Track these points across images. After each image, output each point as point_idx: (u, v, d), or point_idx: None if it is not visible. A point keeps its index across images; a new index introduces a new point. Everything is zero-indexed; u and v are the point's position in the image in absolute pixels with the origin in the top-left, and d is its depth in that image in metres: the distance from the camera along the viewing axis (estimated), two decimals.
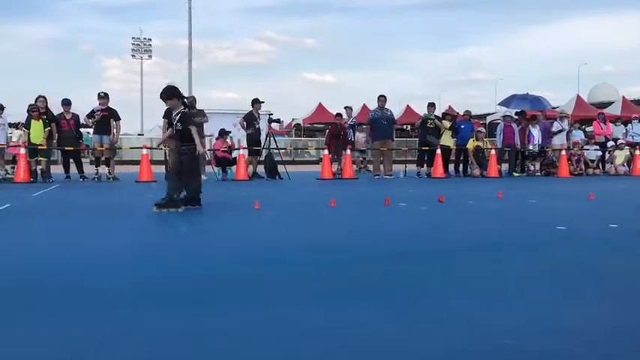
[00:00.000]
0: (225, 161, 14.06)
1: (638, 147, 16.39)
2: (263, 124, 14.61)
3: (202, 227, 5.71)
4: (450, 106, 31.97)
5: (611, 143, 16.71)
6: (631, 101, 36.03)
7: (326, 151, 14.71)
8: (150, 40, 59.70)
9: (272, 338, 2.33)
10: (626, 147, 16.53)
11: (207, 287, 3.21)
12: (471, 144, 15.19)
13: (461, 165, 15.84)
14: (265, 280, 3.36)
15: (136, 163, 14.75)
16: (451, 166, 15.87)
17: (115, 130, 13.26)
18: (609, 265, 3.79)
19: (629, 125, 18.40)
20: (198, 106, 14.83)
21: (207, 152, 14.22)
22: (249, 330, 2.43)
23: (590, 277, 3.44)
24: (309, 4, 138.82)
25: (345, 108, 16.83)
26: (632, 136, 17.59)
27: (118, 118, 13.31)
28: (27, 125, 12.80)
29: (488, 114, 37.20)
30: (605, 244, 4.63)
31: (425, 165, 15.20)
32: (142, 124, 57.71)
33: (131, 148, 18.92)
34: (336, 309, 2.74)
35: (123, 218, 6.47)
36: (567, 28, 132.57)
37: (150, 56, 60.04)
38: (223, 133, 14.30)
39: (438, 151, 14.66)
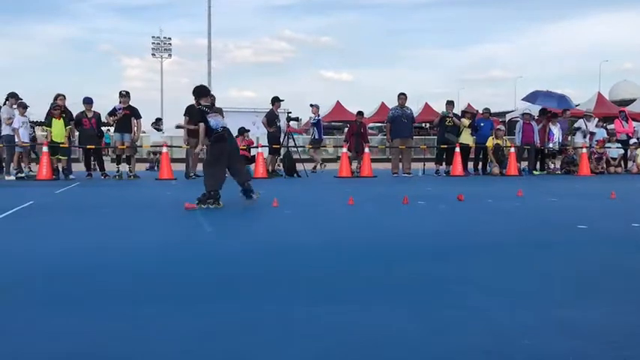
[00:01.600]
0: (244, 159, 14.13)
1: None
2: (282, 123, 14.66)
3: (221, 225, 5.76)
4: (469, 104, 31.76)
5: (633, 141, 16.47)
6: None
7: (344, 149, 14.71)
8: (170, 39, 60.08)
9: (292, 336, 2.36)
10: None
11: (227, 285, 3.24)
12: (490, 142, 15.08)
13: (480, 163, 15.73)
14: (283, 279, 3.38)
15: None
16: (470, 164, 15.76)
17: (135, 129, 13.41)
18: (631, 265, 3.75)
19: None
20: (216, 105, 14.98)
21: None
22: (269, 327, 2.46)
23: (611, 277, 3.42)
24: (327, 2, 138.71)
25: (311, 106, 16.66)
26: None
27: (139, 117, 13.45)
28: (48, 124, 13.01)
29: (508, 112, 36.89)
30: (628, 244, 4.58)
31: (444, 163, 15.13)
32: (163, 122, 58.10)
33: (152, 146, 19.07)
34: (356, 308, 2.76)
35: (144, 215, 6.55)
36: (586, 24, 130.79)
37: (170, 55, 60.43)
38: (243, 131, 14.38)
39: (457, 149, 14.58)
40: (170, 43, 60.06)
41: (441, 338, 2.34)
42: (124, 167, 13.59)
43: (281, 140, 14.26)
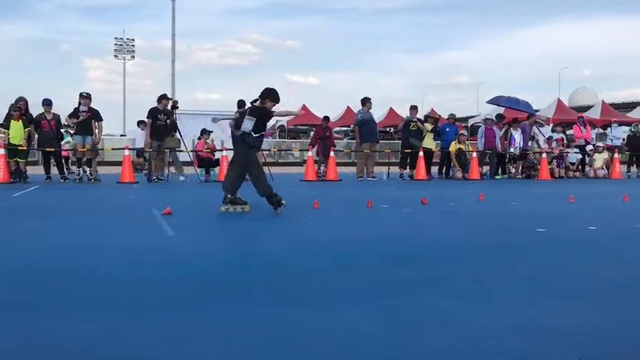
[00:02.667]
0: (207, 162, 14.01)
1: (616, 150, 16.65)
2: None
3: (182, 230, 5.69)
4: (432, 109, 32.16)
5: (590, 147, 16.93)
6: (610, 105, 36.57)
7: (310, 153, 14.72)
8: (133, 40, 59.17)
9: (257, 341, 2.34)
10: (605, 150, 16.77)
11: (187, 290, 3.20)
12: (453, 146, 15.31)
13: (443, 167, 15.96)
14: (247, 283, 3.36)
15: (118, 164, 14.63)
16: (434, 169, 15.98)
17: (97, 131, 13.15)
18: (587, 267, 3.85)
19: (609, 129, 18.67)
20: (181, 107, 14.82)
21: (190, 153, 14.19)
22: (233, 333, 2.44)
23: (568, 278, 3.50)
24: (293, 6, 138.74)
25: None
26: (612, 140, 17.86)
27: (100, 119, 13.19)
28: (7, 126, 12.66)
29: (471, 117, 37.49)
30: (584, 246, 4.70)
31: (408, 167, 15.30)
32: (125, 125, 57.19)
33: (113, 149, 18.73)
34: (321, 310, 2.76)
35: (104, 219, 6.43)
36: (547, 31, 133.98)
37: (133, 57, 59.51)
38: (204, 133, 14.27)
39: (421, 153, 14.76)
40: (133, 45, 59.20)
41: (405, 340, 2.36)
42: (85, 170, 13.31)
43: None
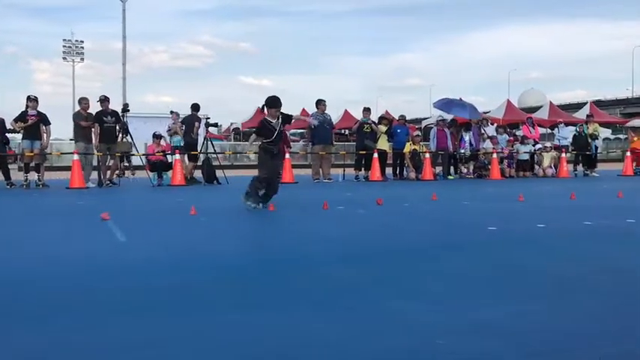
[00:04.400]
0: (160, 166, 13.76)
1: (564, 150, 17.17)
2: (200, 129, 14.39)
3: (134, 235, 5.56)
4: (386, 111, 32.49)
5: (539, 146, 17.41)
6: (557, 106, 37.76)
7: None
8: (82, 42, 57.64)
9: (212, 346, 2.30)
10: (553, 150, 17.27)
11: (141, 297, 3.12)
12: (407, 148, 15.49)
13: (397, 168, 16.13)
14: (199, 287, 3.31)
15: (67, 169, 14.23)
16: (388, 170, 16.13)
17: (45, 136, 12.75)
18: (537, 265, 3.95)
19: (556, 129, 19.24)
20: (133, 110, 14.51)
21: (142, 157, 13.90)
22: (190, 338, 2.39)
23: (518, 277, 3.57)
24: (245, 8, 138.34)
25: (171, 112, 16.06)
26: (559, 140, 18.41)
27: (48, 123, 12.78)
28: None
29: (423, 118, 38.08)
30: (534, 244, 4.82)
31: (363, 169, 15.39)
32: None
33: (62, 153, 18.19)
34: (275, 313, 2.74)
35: (51, 225, 6.23)
36: (497, 35, 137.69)
37: (82, 59, 57.99)
38: (156, 136, 14.03)
39: (375, 155, 14.88)
40: (82, 47, 57.71)
41: (361, 342, 2.36)
42: (33, 176, 12.88)
43: (199, 146, 14.00)
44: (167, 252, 4.56)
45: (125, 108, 13.37)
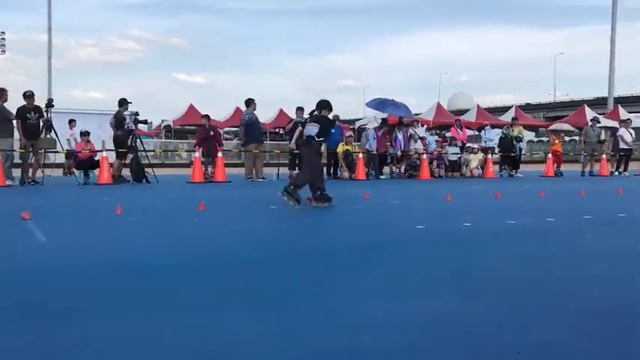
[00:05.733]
0: (86, 164, 13.27)
1: (490, 151, 17.82)
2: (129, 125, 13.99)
3: (56, 235, 5.33)
4: (311, 112, 32.63)
5: (467, 147, 17.99)
6: (485, 109, 39.14)
7: (197, 154, 14.40)
8: (3, 33, 54.82)
9: (137, 348, 2.23)
10: (480, 151, 17.89)
11: (60, 299, 2.99)
12: (340, 148, 15.64)
13: (332, 168, 16.25)
14: (127, 289, 3.20)
15: None
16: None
17: None
18: (462, 262, 4.06)
19: (483, 131, 19.93)
20: (57, 105, 13.92)
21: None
22: (120, 341, 2.31)
23: (444, 274, 3.66)
24: (177, 3, 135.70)
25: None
26: (485, 142, 19.08)
27: None
28: None
29: (357, 119, 38.56)
30: (460, 242, 4.95)
31: (297, 168, 15.41)
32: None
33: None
34: (205, 315, 2.68)
35: None
36: (428, 39, 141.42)
37: (3, 51, 55.14)
38: (84, 134, 13.53)
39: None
40: (4, 38, 54.87)
41: (289, 340, 2.34)
42: None
43: (129, 143, 13.60)
44: (89, 253, 4.39)
45: (49, 103, 12.83)
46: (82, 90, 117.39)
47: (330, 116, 8.60)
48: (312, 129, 7.84)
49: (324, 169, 16.26)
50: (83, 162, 13.27)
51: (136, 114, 13.93)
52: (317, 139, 7.88)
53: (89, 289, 3.20)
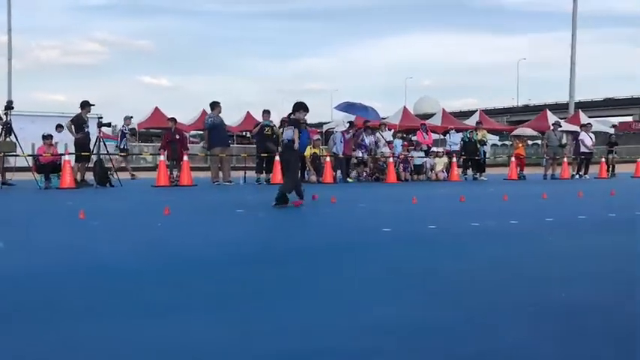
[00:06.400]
0: (48, 168, 12.95)
1: (455, 155, 18.05)
2: (93, 129, 13.73)
3: (16, 240, 5.19)
4: (289, 114, 32.55)
5: (432, 150, 18.18)
6: (450, 113, 39.67)
7: (162, 157, 14.21)
8: None
9: (101, 354, 2.18)
10: (445, 155, 18.11)
11: (23, 305, 2.91)
12: (308, 151, 15.63)
13: (299, 171, 16.23)
14: (91, 296, 3.13)
15: None
16: None
17: None
18: (427, 265, 4.09)
19: (447, 135, 20.19)
20: (17, 108, 13.59)
21: (28, 158, 13.04)
22: (80, 347, 2.25)
23: (409, 276, 3.69)
24: (142, 5, 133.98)
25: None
26: (450, 145, 19.33)
27: None
28: None
29: (325, 122, 38.65)
30: (425, 245, 5.00)
31: (264, 172, 15.34)
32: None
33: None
34: (170, 319, 2.64)
35: None
36: (394, 43, 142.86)
37: None
38: (46, 137, 13.21)
39: (277, 157, 14.87)
40: None
41: (255, 344, 2.33)
42: None
43: (91, 147, 13.35)
44: (50, 258, 4.28)
45: (9, 106, 12.52)
46: (43, 92, 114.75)
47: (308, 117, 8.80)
48: (289, 133, 8.16)
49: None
50: (45, 166, 12.95)
51: (100, 117, 13.68)
52: (293, 142, 8.17)
53: (47, 295, 3.12)
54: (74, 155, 13.20)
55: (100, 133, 13.51)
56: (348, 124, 17.47)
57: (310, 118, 18.01)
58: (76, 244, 4.97)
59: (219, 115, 14.85)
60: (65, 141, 15.10)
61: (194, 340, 2.39)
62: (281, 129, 15.34)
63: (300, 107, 8.42)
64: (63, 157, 12.84)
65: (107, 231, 5.87)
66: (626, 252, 4.66)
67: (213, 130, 14.77)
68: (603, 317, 2.75)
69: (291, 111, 8.40)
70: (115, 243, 5.07)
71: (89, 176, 13.50)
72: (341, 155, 16.32)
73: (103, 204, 9.38)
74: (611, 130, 25.47)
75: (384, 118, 27.30)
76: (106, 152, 13.63)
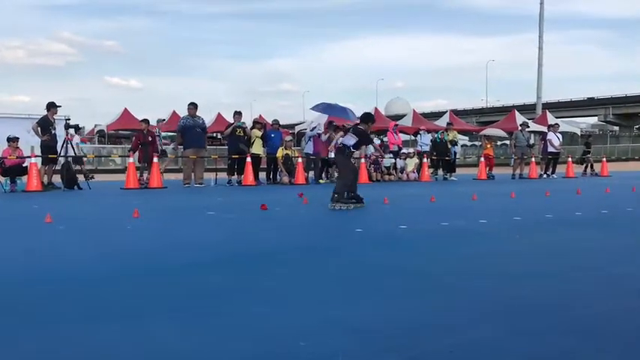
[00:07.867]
0: (14, 170, 12.67)
1: (425, 155, 18.21)
2: (60, 131, 13.47)
3: None
4: (260, 115, 32.50)
5: (403, 151, 18.32)
6: (420, 114, 40.05)
7: (131, 159, 14.02)
8: None
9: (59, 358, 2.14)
10: (416, 155, 18.26)
11: None
12: (280, 152, 15.61)
13: (271, 172, 16.19)
14: (52, 299, 3.07)
15: None
16: (262, 174, 16.13)
17: None
18: (396, 263, 4.12)
19: (418, 136, 20.36)
20: None
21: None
22: (44, 354, 2.20)
23: (379, 276, 3.70)
24: (111, 5, 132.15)
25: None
26: (421, 146, 19.49)
27: None
28: None
29: (297, 124, 38.62)
30: (398, 245, 5.03)
31: (236, 173, 15.26)
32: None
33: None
34: (131, 326, 2.60)
35: None
36: (365, 45, 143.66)
37: None
38: (11, 139, 12.91)
39: (249, 159, 14.82)
40: None
41: (219, 350, 2.30)
42: None
43: (59, 149, 13.09)
44: (14, 263, 4.19)
45: None
46: (6, 94, 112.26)
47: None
48: (350, 139, 8.49)
49: (265, 174, 16.25)
50: (10, 169, 12.66)
51: (68, 118, 13.44)
52: (351, 149, 8.55)
53: (7, 301, 3.05)
54: (40, 158, 12.93)
55: (67, 135, 13.28)
56: (329, 124, 17.45)
57: (282, 118, 18.10)
58: (40, 249, 4.87)
59: (195, 116, 14.70)
60: (32, 143, 14.79)
61: (159, 345, 2.36)
62: (252, 130, 15.35)
63: (369, 119, 8.62)
64: (29, 159, 12.58)
65: (74, 235, 5.76)
66: (589, 248, 4.76)
67: (186, 133, 14.63)
68: (567, 313, 2.80)
69: (358, 119, 8.62)
70: (82, 247, 4.98)
71: (56, 179, 13.25)
72: (312, 156, 16.33)
73: (70, 207, 9.22)
74: (578, 132, 26.01)
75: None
76: (74, 155, 13.40)
